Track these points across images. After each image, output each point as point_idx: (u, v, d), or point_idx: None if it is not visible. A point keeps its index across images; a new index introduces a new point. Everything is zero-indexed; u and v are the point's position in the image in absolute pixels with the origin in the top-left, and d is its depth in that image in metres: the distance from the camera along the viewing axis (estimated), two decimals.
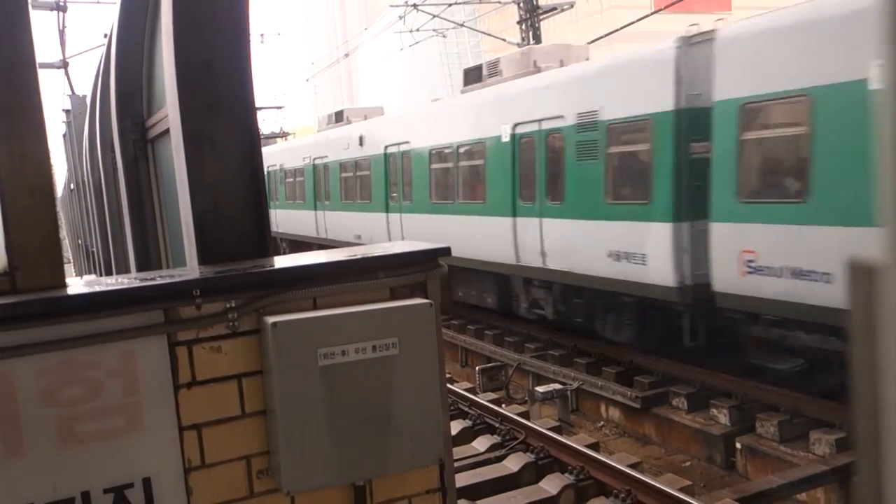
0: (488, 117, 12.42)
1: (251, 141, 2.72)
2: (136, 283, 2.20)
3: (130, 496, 2.11)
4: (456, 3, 22.50)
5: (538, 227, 11.19)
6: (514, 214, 11.74)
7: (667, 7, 20.23)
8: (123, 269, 5.70)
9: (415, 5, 21.71)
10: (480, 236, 12.47)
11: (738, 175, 8.08)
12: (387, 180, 15.78)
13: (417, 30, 22.93)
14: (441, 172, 13.90)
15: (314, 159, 20.79)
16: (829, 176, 7.10)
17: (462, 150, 13.19)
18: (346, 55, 36.80)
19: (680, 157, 8.76)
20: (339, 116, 21.66)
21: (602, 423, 10.06)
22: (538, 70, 12.29)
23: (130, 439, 2.10)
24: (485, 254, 12.36)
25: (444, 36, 25.03)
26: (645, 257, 9.23)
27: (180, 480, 2.17)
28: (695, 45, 8.68)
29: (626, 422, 9.75)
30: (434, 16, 22.07)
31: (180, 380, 2.17)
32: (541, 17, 20.93)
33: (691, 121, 8.65)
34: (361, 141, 17.46)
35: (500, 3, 23.07)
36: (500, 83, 12.88)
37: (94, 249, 10.01)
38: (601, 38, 16.83)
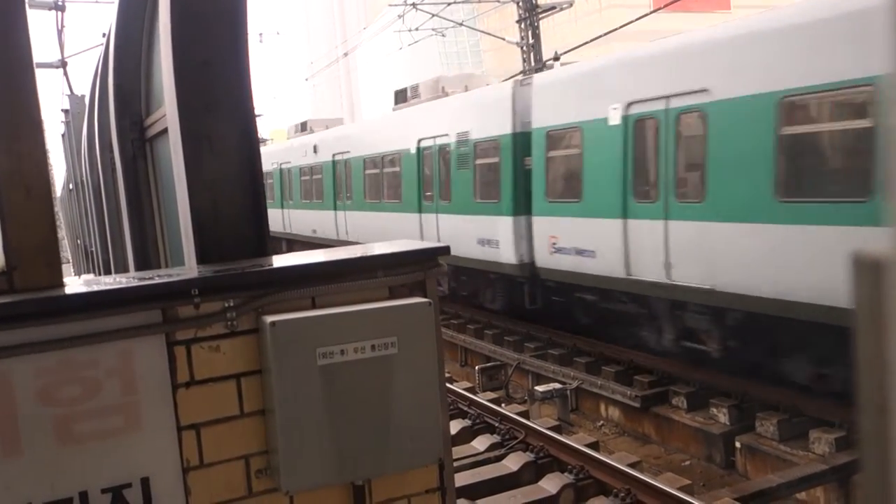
0: (403, 133, 15.26)
1: (249, 140, 2.72)
2: (134, 283, 2.19)
3: (129, 496, 2.10)
4: (455, 3, 22.49)
5: (435, 221, 14.11)
6: (420, 211, 14.64)
7: (665, 6, 20.23)
8: (122, 269, 5.69)
9: (414, 4, 21.71)
10: (398, 228, 15.23)
11: (547, 182, 11.36)
12: (335, 183, 18.75)
13: (416, 29, 22.93)
14: (372, 177, 16.81)
15: (280, 164, 24.02)
16: (592, 183, 10.34)
17: (386, 158, 16.07)
18: (346, 54, 36.82)
19: (517, 168, 11.90)
20: (303, 126, 24.56)
21: (602, 422, 10.06)
22: (445, 95, 15.22)
23: (129, 439, 2.10)
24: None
25: (443, 35, 25.01)
26: (498, 242, 12.29)
27: (179, 480, 2.17)
28: (524, 86, 11.91)
29: (625, 421, 9.75)
30: (433, 15, 22.06)
31: (179, 379, 2.17)
32: (540, 16, 20.93)
33: (524, 142, 11.75)
34: (315, 149, 20.40)
35: (499, 2, 23.06)
36: (416, 104, 15.88)
37: (93, 249, 10.00)
38: (599, 37, 16.81)
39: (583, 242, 10.48)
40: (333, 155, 19.03)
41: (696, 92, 8.59)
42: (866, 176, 6.75)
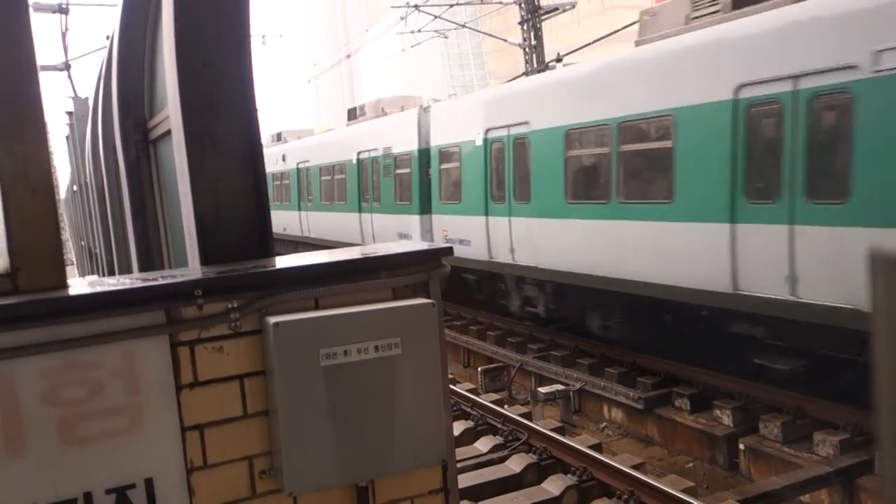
0: (348, 146, 18.50)
1: (252, 141, 2.72)
2: (138, 284, 2.19)
3: (133, 497, 2.10)
4: (457, 4, 22.50)
5: (370, 220, 17.46)
6: (360, 211, 17.88)
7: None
8: (126, 270, 5.70)
9: (416, 6, 21.72)
10: (346, 225, 18.53)
11: (440, 188, 14.43)
12: (299, 187, 21.87)
13: (419, 31, 22.94)
14: (326, 183, 20.05)
15: None
16: (467, 189, 13.45)
17: (336, 167, 19.43)
18: (348, 56, 36.84)
19: (422, 177, 15.02)
20: (279, 136, 27.35)
21: (605, 423, 10.05)
22: (385, 114, 18.32)
23: (132, 440, 2.10)
24: (348, 237, 18.30)
25: (445, 37, 25.02)
26: (411, 236, 15.38)
27: (182, 481, 2.17)
28: (426, 112, 15.12)
29: (628, 423, 9.74)
30: (435, 17, 22.07)
31: (182, 380, 2.17)
32: (542, 17, 20.93)
33: (427, 156, 14.94)
34: (284, 158, 23.47)
35: (501, 3, 23.06)
36: (361, 122, 19.40)
37: (97, 251, 10.02)
38: (602, 38, 16.80)
39: (462, 234, 13.63)
40: (297, 163, 22.43)
41: (523, 123, 11.80)
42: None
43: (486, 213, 12.83)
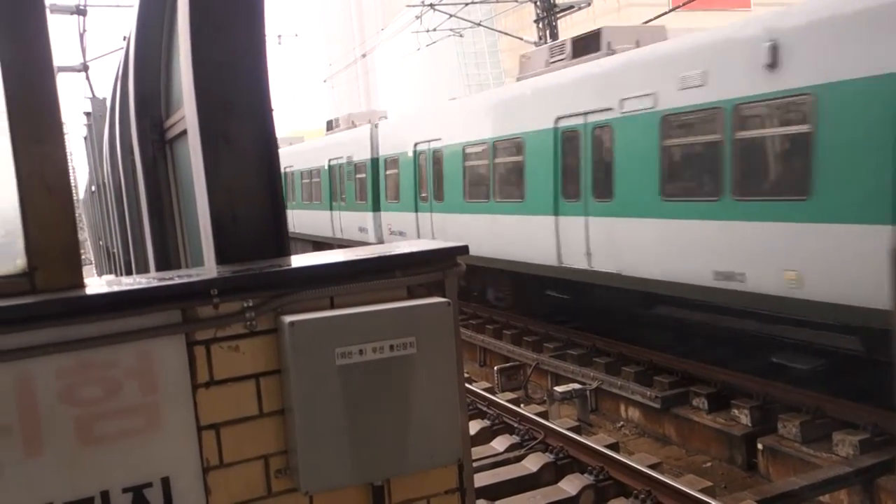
0: (323, 154, 22.01)
1: (268, 141, 2.72)
2: (154, 283, 2.20)
3: (149, 496, 2.11)
4: (473, 3, 22.46)
5: (339, 217, 20.72)
6: (331, 209, 21.32)
7: (684, 4, 20.07)
8: (143, 270, 5.74)
9: (431, 5, 21.72)
10: (321, 221, 21.99)
11: (386, 189, 17.70)
12: (285, 188, 24.10)
13: (434, 29, 22.96)
14: (306, 185, 23.67)
15: None
16: (402, 191, 16.63)
17: (313, 171, 23.02)
18: (364, 56, 36.90)
19: (376, 181, 18.12)
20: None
21: (622, 423, 10.00)
22: (355, 126, 21.48)
23: (149, 439, 2.11)
24: (326, 231, 21.69)
25: (461, 35, 25.01)
26: (366, 229, 18.62)
27: (199, 480, 2.18)
28: (376, 128, 18.49)
29: (645, 422, 9.69)
30: (451, 15, 22.07)
31: (198, 379, 2.17)
32: (558, 15, 20.87)
33: (378, 164, 18.13)
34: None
35: (517, 1, 23.00)
36: (335, 132, 22.90)
37: (115, 250, 10.10)
38: None
39: (401, 227, 16.91)
40: (284, 168, 25.39)
41: (435, 140, 15.14)
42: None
43: (416, 210, 16.11)
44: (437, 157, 15.12)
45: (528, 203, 12.31)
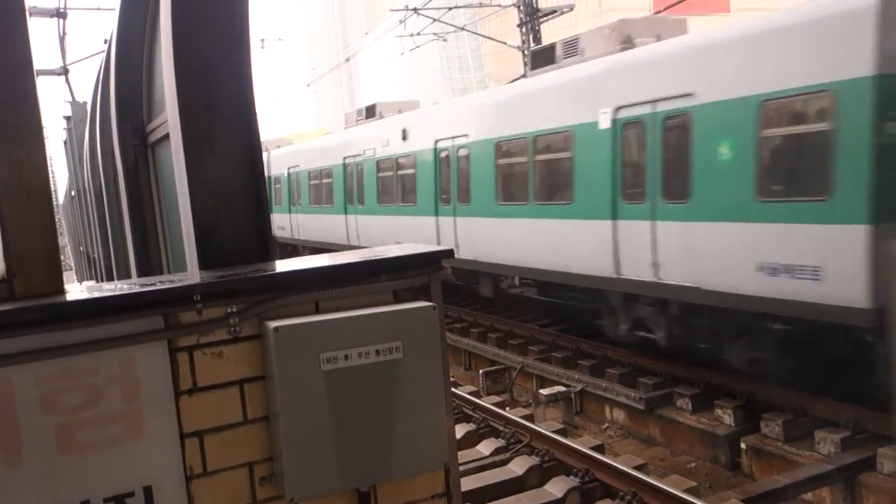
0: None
1: (251, 145, 2.70)
2: (136, 289, 2.17)
3: None
4: (456, 7, 22.50)
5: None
6: (289, 212, 23.48)
7: (666, 9, 20.21)
8: (124, 275, 5.68)
9: (415, 9, 21.74)
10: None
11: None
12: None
13: (418, 34, 22.97)
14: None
15: None
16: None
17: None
18: (347, 60, 36.84)
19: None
20: (265, 146, 32.13)
21: (607, 424, 10.03)
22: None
23: (131, 447, 2.08)
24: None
25: (444, 40, 25.05)
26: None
27: (182, 488, 2.15)
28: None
29: (630, 423, 9.72)
30: (434, 20, 22.08)
31: (181, 386, 2.15)
32: (541, 20, 20.94)
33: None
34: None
35: (500, 6, 23.06)
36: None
37: (96, 256, 10.00)
38: None
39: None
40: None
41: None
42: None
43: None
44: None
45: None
